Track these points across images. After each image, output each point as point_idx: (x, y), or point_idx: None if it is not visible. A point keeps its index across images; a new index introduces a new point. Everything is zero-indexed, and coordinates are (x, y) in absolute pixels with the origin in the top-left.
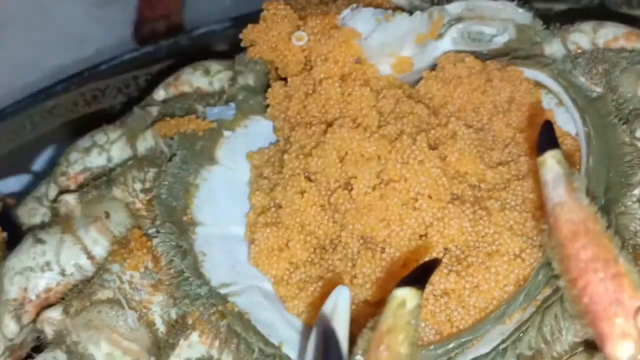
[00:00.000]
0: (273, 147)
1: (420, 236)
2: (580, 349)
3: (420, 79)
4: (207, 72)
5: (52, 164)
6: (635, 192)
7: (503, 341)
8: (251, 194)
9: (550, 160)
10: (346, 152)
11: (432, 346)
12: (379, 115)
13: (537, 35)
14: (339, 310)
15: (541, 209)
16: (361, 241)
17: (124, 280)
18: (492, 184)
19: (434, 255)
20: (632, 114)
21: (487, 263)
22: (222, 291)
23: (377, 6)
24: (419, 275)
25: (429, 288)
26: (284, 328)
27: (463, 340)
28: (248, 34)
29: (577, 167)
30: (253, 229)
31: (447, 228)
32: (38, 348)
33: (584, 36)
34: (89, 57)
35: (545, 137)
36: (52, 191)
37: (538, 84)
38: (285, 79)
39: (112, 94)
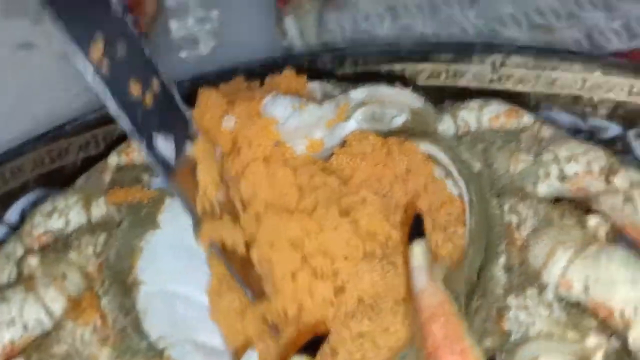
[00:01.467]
0: None
1: (337, 292)
2: None
3: (332, 154)
4: None
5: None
6: (501, 259)
7: None
8: None
9: (417, 249)
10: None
11: None
12: (298, 191)
13: (429, 117)
14: None
15: None
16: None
17: (76, 336)
18: (397, 241)
19: (350, 305)
20: (503, 189)
21: (395, 308)
22: (160, 344)
23: (294, 93)
24: (311, 345)
25: (347, 332)
26: None
27: None
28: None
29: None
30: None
31: (360, 282)
32: None
33: (472, 113)
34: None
35: (415, 229)
36: (19, 250)
37: (431, 157)
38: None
39: (74, 151)
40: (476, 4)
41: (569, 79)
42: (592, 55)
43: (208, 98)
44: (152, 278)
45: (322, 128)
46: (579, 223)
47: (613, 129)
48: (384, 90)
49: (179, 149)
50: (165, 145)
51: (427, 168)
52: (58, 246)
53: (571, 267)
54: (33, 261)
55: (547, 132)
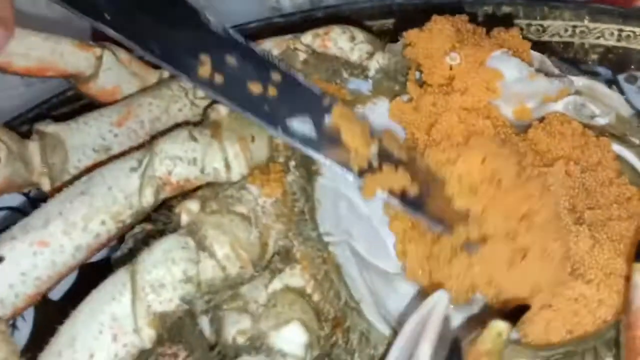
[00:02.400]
0: None
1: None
2: None
3: (526, 126)
4: (352, 38)
5: None
6: None
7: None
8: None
9: None
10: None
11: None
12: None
13: (631, 128)
14: (438, 310)
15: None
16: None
17: (258, 202)
18: (589, 222)
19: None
20: None
21: (608, 282)
22: (325, 239)
23: (519, 55)
24: (513, 314)
25: (565, 295)
26: (363, 288)
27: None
28: (411, 35)
29: None
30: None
31: (575, 248)
32: None
33: None
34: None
35: None
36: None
37: (620, 158)
38: (421, 84)
39: None
40: None
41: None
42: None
43: (441, 26)
44: (329, 172)
45: (536, 101)
46: None
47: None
48: (601, 88)
49: (318, 123)
50: (302, 125)
51: (616, 165)
52: None
53: None
54: (223, 110)
55: None
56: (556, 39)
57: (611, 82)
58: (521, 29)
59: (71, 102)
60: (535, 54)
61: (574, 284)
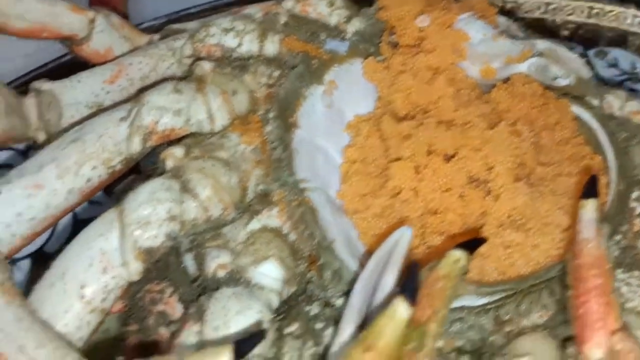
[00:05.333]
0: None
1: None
2: (540, 329)
3: (491, 86)
4: (331, 4)
5: None
6: (618, 237)
7: (489, 303)
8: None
9: (591, 206)
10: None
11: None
12: (454, 106)
13: (589, 89)
14: (401, 244)
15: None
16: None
17: (238, 149)
18: (539, 177)
19: (495, 223)
20: (633, 178)
21: (544, 230)
22: (301, 185)
23: (484, 19)
24: (471, 244)
25: (498, 240)
26: (336, 230)
27: (504, 287)
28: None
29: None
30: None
31: (512, 200)
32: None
33: (617, 100)
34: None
35: (590, 187)
36: (187, 49)
37: (578, 119)
38: (394, 45)
39: None
40: None
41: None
42: None
43: None
44: (307, 126)
45: (501, 61)
46: None
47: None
48: (563, 51)
49: None
50: None
51: (574, 126)
52: (234, 65)
53: None
54: (207, 66)
55: None
56: (530, 15)
57: (583, 56)
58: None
59: (66, 68)
60: (501, 19)
61: (504, 233)
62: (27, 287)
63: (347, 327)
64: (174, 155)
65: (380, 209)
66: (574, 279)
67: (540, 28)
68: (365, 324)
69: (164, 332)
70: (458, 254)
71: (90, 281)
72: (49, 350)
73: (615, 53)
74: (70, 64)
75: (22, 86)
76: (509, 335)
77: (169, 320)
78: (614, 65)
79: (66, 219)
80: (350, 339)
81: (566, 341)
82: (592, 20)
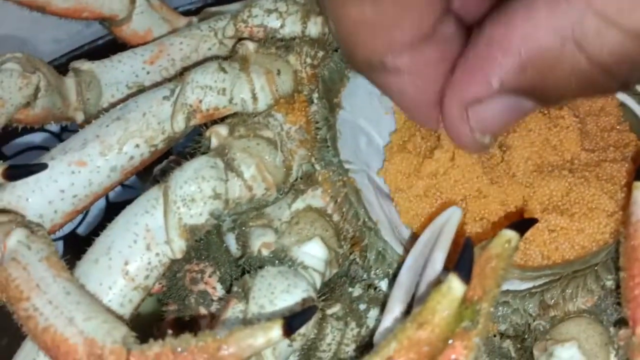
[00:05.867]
0: None
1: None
2: (585, 314)
3: None
4: None
5: None
6: None
7: (535, 287)
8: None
9: None
10: None
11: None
12: None
13: None
14: (452, 222)
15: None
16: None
17: (283, 128)
18: (584, 162)
19: (539, 207)
20: None
21: (590, 215)
22: (346, 166)
23: None
24: (522, 225)
25: (543, 225)
26: (380, 212)
27: (549, 272)
28: None
29: None
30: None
31: (547, 185)
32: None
33: None
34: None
35: None
36: (230, 30)
37: (623, 105)
38: None
39: None
40: None
41: None
42: None
43: None
44: (350, 107)
45: None
46: None
47: None
48: None
49: None
50: None
51: (619, 112)
52: (279, 45)
53: None
54: (251, 46)
55: None
56: None
57: None
58: None
59: (102, 51)
60: None
61: (548, 217)
62: None
63: (397, 304)
64: (218, 133)
65: (423, 190)
66: (629, 260)
67: None
68: (413, 302)
69: (203, 312)
70: (510, 234)
71: (134, 258)
72: (97, 322)
73: None
74: (105, 47)
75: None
76: (554, 320)
77: (210, 299)
78: None
79: (99, 202)
80: (401, 316)
81: (615, 325)
82: None
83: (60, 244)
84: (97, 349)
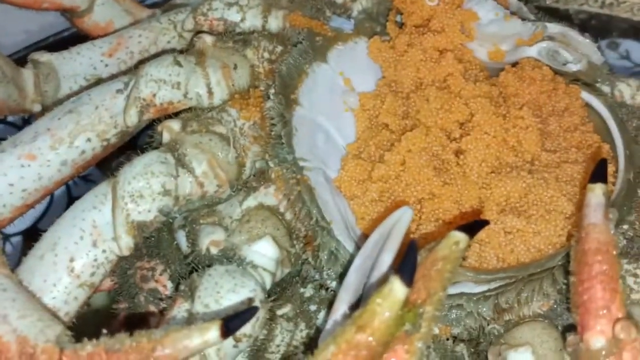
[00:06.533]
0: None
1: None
2: (541, 319)
3: (499, 69)
4: None
5: None
6: (625, 226)
7: (489, 290)
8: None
9: (598, 190)
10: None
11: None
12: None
13: (601, 76)
14: (402, 222)
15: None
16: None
17: (237, 124)
18: (544, 163)
19: (495, 208)
20: None
21: (547, 217)
22: (300, 164)
23: (498, 0)
24: (472, 227)
25: (499, 227)
26: (334, 211)
27: (504, 275)
28: None
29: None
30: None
31: (504, 186)
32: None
33: (629, 89)
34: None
35: (599, 171)
36: (189, 23)
37: (588, 106)
38: (400, 25)
39: None
40: None
41: None
42: None
43: None
44: (308, 104)
45: (511, 43)
46: None
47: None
48: (574, 36)
49: None
50: None
51: (583, 112)
52: (236, 39)
53: None
54: (208, 39)
55: None
56: (542, 3)
57: None
58: None
59: (68, 43)
60: (512, 1)
61: (504, 219)
62: (18, 264)
63: (341, 306)
64: (170, 128)
65: (377, 194)
66: (579, 265)
67: (552, 17)
68: (360, 303)
69: (153, 310)
70: (459, 236)
71: (80, 254)
72: (31, 320)
73: (627, 45)
74: (71, 39)
75: (22, 59)
76: (508, 324)
77: (160, 297)
78: (625, 57)
79: (61, 197)
80: (343, 318)
81: (566, 331)
82: (604, 11)
83: (19, 238)
84: (29, 348)
